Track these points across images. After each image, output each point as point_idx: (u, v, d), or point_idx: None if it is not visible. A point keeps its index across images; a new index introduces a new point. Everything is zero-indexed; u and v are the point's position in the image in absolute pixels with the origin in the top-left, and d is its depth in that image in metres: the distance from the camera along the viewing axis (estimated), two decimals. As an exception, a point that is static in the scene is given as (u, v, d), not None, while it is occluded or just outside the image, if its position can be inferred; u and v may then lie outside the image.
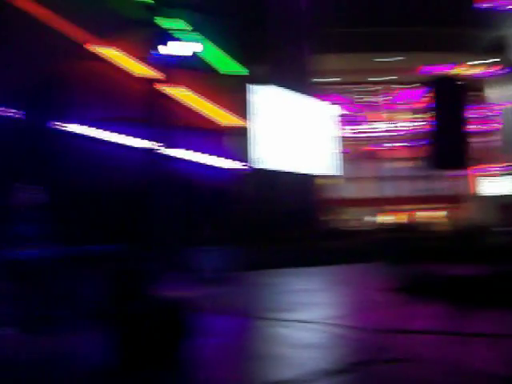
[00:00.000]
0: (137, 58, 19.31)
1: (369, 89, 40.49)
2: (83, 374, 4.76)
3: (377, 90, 40.58)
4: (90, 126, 18.46)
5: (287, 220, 21.40)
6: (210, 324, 5.39)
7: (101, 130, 18.86)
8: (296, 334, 6.20)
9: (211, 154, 22.39)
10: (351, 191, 37.72)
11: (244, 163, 23.52)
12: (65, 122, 17.02)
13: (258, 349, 5.63)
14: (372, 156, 40.00)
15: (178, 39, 11.36)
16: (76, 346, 5.78)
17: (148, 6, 13.20)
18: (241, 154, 23.72)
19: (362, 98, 40.48)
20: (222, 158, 22.90)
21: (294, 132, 25.20)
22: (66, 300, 6.64)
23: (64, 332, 6.27)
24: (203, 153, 22.03)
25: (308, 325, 6.60)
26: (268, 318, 7.10)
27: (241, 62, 23.73)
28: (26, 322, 6.61)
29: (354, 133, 39.18)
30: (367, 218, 36.54)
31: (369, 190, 38.83)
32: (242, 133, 23.81)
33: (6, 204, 7.18)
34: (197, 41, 11.24)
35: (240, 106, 23.90)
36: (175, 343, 4.98)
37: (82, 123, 18.06)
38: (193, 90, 21.40)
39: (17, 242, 6.93)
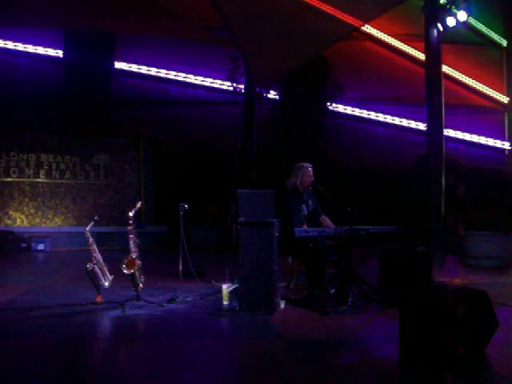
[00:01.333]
0: (406, 35, 19.02)
1: None
2: (371, 364, 4.49)
3: None
4: (361, 106, 18.72)
5: None
6: (498, 316, 4.85)
7: (371, 111, 19.06)
8: None
9: (481, 132, 21.28)
10: None
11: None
12: (334, 102, 17.42)
13: None
14: None
15: (447, 12, 10.69)
16: (360, 329, 5.65)
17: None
18: (510, 133, 22.17)
19: None
20: (492, 137, 21.59)
21: None
22: (348, 280, 6.55)
23: (348, 313, 6.20)
24: (473, 132, 21.07)
25: None
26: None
27: (504, 33, 22.12)
28: (308, 299, 6.70)
29: None
30: None
31: None
32: (509, 109, 22.20)
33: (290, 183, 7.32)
34: (463, 11, 10.46)
35: (504, 80, 22.34)
36: (482, 338, 4.55)
37: (352, 104, 18.39)
38: (460, 64, 20.46)
39: (297, 221, 7.04)
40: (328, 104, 17.29)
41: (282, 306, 6.44)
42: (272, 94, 17.23)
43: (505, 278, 9.47)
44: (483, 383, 4.17)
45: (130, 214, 6.58)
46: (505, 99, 22.03)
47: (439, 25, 10.65)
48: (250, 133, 14.82)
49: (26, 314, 6.08)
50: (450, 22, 10.60)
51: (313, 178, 7.15)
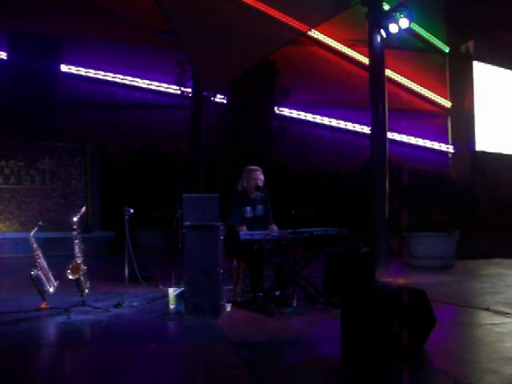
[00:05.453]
0: (352, 41, 19.39)
1: None
2: (311, 363, 4.58)
3: None
4: (308, 110, 18.94)
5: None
6: (439, 314, 5.01)
7: (317, 115, 19.32)
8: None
9: (425, 136, 21.80)
10: None
11: (458, 146, 22.49)
12: (282, 106, 17.58)
13: (501, 347, 5.08)
14: None
15: (390, 19, 10.91)
16: (304, 330, 5.71)
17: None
18: (453, 136, 22.77)
19: None
20: (436, 141, 22.15)
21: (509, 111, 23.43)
22: (292, 281, 6.64)
23: (293, 314, 6.28)
24: (418, 136, 21.57)
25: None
26: (502, 312, 6.49)
27: (446, 39, 22.79)
28: (254, 301, 6.76)
29: None
30: None
31: None
32: (452, 114, 22.81)
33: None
34: (405, 17, 10.69)
35: (447, 85, 22.97)
36: (420, 335, 4.69)
37: (299, 108, 18.60)
38: (405, 69, 20.94)
39: (236, 219, 7.11)
40: (275, 108, 17.47)
41: (229, 308, 6.49)
42: (219, 98, 17.28)
43: (447, 278, 9.73)
44: (423, 377, 4.27)
45: (74, 219, 6.53)
46: (448, 104, 22.65)
47: (382, 31, 10.86)
48: (198, 137, 14.80)
49: (-32, 322, 5.95)
50: (393, 28, 10.81)
51: (257, 182, 7.19)
